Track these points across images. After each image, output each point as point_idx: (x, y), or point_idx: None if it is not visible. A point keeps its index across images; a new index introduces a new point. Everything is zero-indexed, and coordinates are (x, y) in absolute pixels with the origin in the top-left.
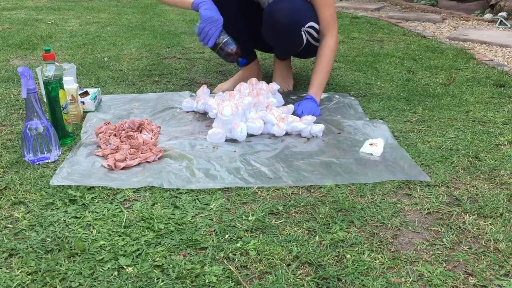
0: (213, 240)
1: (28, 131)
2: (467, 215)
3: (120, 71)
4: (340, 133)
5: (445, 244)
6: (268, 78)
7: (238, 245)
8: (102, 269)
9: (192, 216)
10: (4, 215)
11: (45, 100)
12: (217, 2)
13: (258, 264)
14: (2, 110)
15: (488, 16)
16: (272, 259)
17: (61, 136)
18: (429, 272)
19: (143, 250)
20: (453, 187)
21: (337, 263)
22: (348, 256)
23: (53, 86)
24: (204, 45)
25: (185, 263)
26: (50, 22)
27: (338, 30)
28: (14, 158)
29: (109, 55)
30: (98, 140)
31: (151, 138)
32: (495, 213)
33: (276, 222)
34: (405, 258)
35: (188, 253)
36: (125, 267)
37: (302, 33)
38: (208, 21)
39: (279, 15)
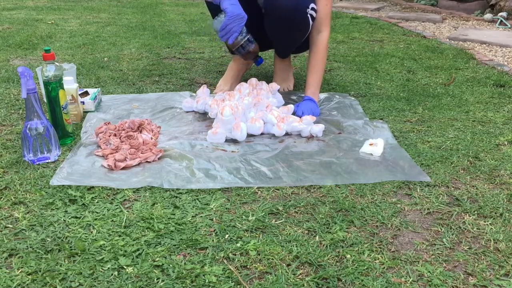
0: (213, 240)
1: (28, 131)
2: (467, 215)
3: (120, 71)
4: (340, 133)
5: (445, 244)
6: (268, 78)
7: (238, 245)
8: (102, 269)
9: (192, 216)
10: (4, 215)
11: (45, 100)
12: None
13: (258, 264)
14: (2, 110)
15: (488, 16)
16: (272, 259)
17: (61, 136)
18: (429, 272)
19: (143, 250)
20: (453, 187)
21: (337, 263)
22: (348, 256)
23: (53, 86)
24: (222, 41)
25: (185, 263)
26: (50, 22)
27: (337, 30)
28: (14, 158)
29: (109, 55)
30: (98, 140)
31: (151, 138)
32: (495, 213)
33: (276, 222)
34: (405, 258)
35: (188, 253)
36: (125, 267)
37: (308, 15)
38: (234, 18)
39: (283, 1)
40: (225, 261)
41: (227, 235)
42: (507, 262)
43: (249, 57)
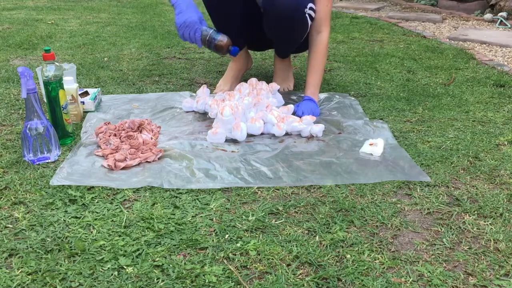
0: (213, 240)
1: (28, 131)
2: (467, 215)
3: (120, 71)
4: (340, 133)
5: (445, 244)
6: (268, 78)
7: (238, 245)
8: (102, 269)
9: (192, 216)
10: (4, 215)
11: (45, 100)
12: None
13: (258, 264)
14: (2, 110)
15: (488, 16)
16: (272, 259)
17: (61, 136)
18: (429, 272)
19: (143, 250)
20: (453, 187)
21: (337, 263)
22: (348, 256)
23: (53, 86)
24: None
25: (185, 263)
26: (50, 22)
27: (337, 30)
28: (14, 158)
29: (109, 55)
30: (98, 140)
31: (151, 138)
32: (495, 213)
33: (276, 222)
34: (405, 258)
35: (188, 253)
36: (125, 267)
37: (306, 15)
38: (182, 28)
39: (282, 0)
40: (225, 261)
41: (227, 235)
42: (507, 262)
43: (221, 51)
